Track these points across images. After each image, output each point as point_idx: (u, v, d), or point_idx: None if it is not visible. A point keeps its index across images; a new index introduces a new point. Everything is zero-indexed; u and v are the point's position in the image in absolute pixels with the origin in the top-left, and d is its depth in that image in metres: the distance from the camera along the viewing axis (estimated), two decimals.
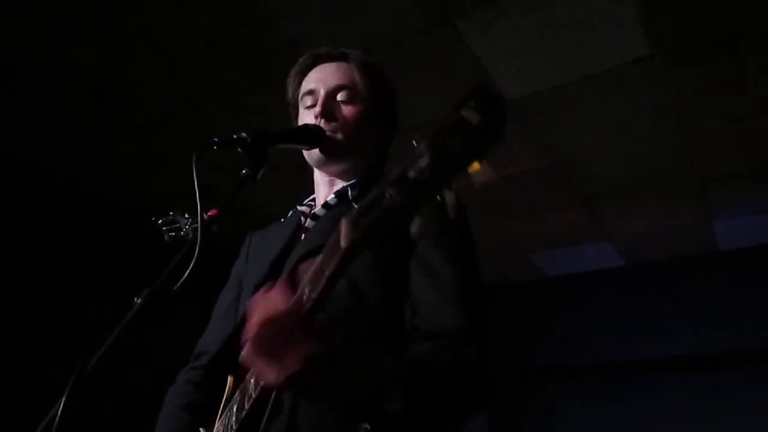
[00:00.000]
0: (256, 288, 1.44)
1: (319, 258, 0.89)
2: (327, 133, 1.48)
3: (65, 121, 3.87)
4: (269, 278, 1.44)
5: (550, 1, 2.90)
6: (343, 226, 0.83)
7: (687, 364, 5.38)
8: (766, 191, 4.54)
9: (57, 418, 0.94)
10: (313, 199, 1.63)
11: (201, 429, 1.39)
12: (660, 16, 2.95)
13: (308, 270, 1.21)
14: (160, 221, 1.88)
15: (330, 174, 1.57)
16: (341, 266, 0.85)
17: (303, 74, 1.63)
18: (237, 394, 1.16)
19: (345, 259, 0.84)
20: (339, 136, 1.49)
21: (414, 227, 0.74)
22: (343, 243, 0.82)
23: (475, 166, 0.68)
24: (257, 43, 3.22)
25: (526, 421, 5.93)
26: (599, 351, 5.74)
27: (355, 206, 1.40)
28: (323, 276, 0.86)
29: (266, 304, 0.91)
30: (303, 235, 1.50)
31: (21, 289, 4.03)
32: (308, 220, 1.53)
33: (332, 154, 1.49)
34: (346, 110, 1.52)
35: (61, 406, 0.95)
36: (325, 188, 1.58)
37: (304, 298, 0.91)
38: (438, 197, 0.72)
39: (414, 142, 0.73)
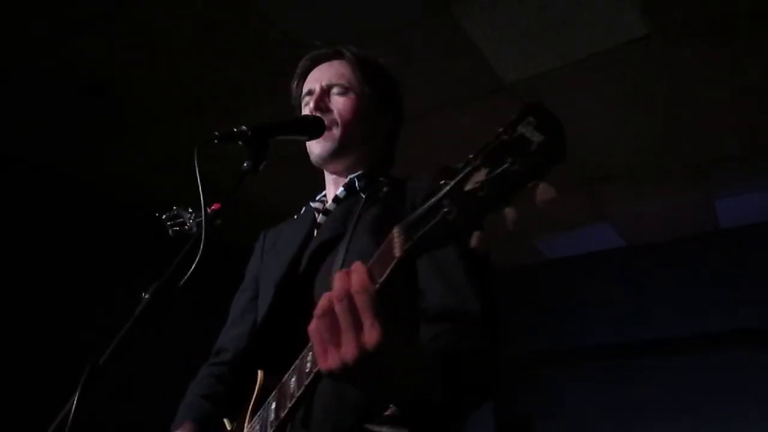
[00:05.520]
0: (277, 285, 1.47)
1: (368, 265, 0.88)
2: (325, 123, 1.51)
3: (64, 117, 3.86)
4: (289, 275, 1.47)
5: None
6: (396, 235, 0.82)
7: (690, 345, 5.39)
8: (767, 168, 4.53)
9: (71, 415, 0.94)
10: (325, 195, 1.66)
11: (225, 420, 1.40)
12: None
13: (329, 269, 1.20)
14: (164, 216, 1.89)
15: (335, 172, 1.60)
16: (393, 274, 0.84)
17: (303, 77, 1.67)
18: (275, 392, 1.15)
19: (398, 267, 0.83)
20: (335, 129, 1.52)
21: (474, 240, 0.73)
22: (396, 252, 0.81)
23: (536, 184, 0.68)
24: (257, 37, 3.22)
25: (529, 403, 5.96)
26: (602, 333, 5.74)
27: (363, 196, 1.43)
28: (376, 283, 0.85)
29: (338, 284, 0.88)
30: (316, 231, 1.53)
31: (25, 288, 4.04)
32: (320, 215, 1.55)
33: (331, 150, 1.52)
34: (341, 102, 1.55)
35: (75, 402, 0.95)
36: (333, 186, 1.61)
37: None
38: (496, 212, 0.71)
39: (470, 156, 0.73)
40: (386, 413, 1.17)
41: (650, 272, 5.70)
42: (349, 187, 1.53)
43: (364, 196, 1.47)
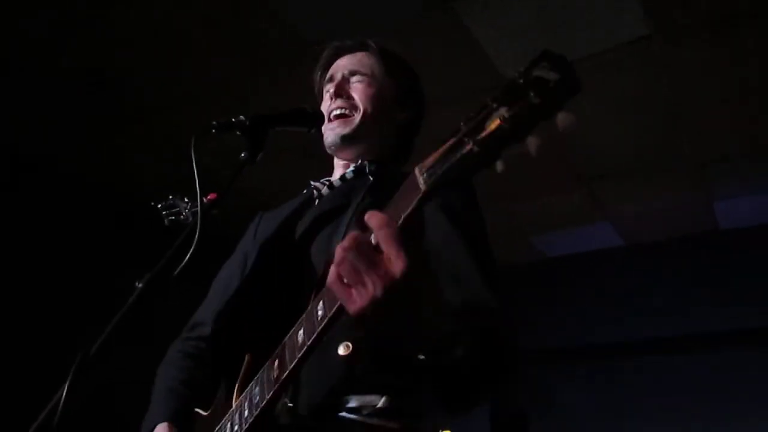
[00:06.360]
0: (264, 244, 1.47)
1: (390, 204, 0.91)
2: (340, 111, 1.52)
3: (63, 109, 3.85)
4: (277, 237, 1.47)
5: None
6: (418, 173, 0.85)
7: (687, 344, 5.39)
8: (766, 171, 4.53)
9: (61, 404, 0.94)
10: (329, 179, 1.64)
11: (198, 410, 1.38)
12: None
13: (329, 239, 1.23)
14: (159, 205, 1.88)
15: (346, 159, 1.59)
16: (417, 209, 0.87)
17: (326, 67, 1.67)
18: (278, 350, 1.13)
19: (422, 200, 0.86)
20: (354, 113, 1.53)
21: (499, 166, 0.79)
22: (422, 186, 0.84)
23: (557, 113, 0.75)
24: (256, 31, 3.21)
25: (527, 402, 5.95)
26: (600, 332, 5.74)
27: (371, 179, 1.42)
28: (399, 218, 0.88)
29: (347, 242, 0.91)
30: (317, 202, 1.53)
31: (20, 279, 4.03)
32: (324, 188, 1.55)
33: (346, 135, 1.52)
34: (361, 89, 1.56)
35: (65, 391, 0.95)
36: (342, 170, 1.61)
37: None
38: (519, 143, 0.77)
39: (488, 98, 0.79)
40: (378, 405, 1.16)
41: (648, 272, 5.70)
42: (358, 169, 1.53)
43: (372, 179, 1.46)
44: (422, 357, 0.99)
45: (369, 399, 1.17)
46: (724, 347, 5.26)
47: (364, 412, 1.17)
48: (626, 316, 5.62)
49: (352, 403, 1.18)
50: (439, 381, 1.04)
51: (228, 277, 1.59)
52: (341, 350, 1.13)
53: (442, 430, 1.37)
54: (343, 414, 1.17)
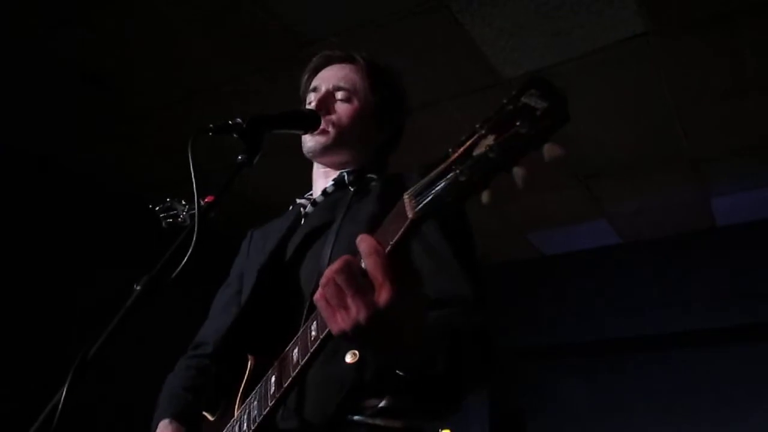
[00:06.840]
0: (261, 269, 1.49)
1: (381, 228, 0.92)
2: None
3: (63, 109, 3.86)
4: (273, 260, 1.49)
5: None
6: (407, 199, 0.86)
7: (684, 342, 5.40)
8: (763, 167, 4.53)
9: (60, 407, 0.94)
10: (311, 193, 1.67)
11: (205, 414, 1.40)
12: None
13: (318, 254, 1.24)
14: (157, 208, 1.89)
15: (326, 165, 1.62)
16: (405, 236, 0.87)
17: (314, 73, 1.68)
18: (274, 367, 1.16)
19: (410, 229, 0.86)
20: (330, 129, 1.54)
21: (485, 197, 0.78)
22: (409, 214, 0.85)
23: (545, 145, 0.74)
24: (256, 31, 3.21)
25: (524, 399, 5.97)
26: (596, 329, 5.73)
27: (351, 190, 1.45)
28: (387, 245, 0.89)
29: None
30: (303, 220, 1.55)
31: (18, 278, 4.03)
32: (309, 206, 1.57)
33: (323, 145, 1.53)
34: (342, 108, 1.57)
35: (63, 395, 0.95)
36: (322, 180, 1.63)
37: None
38: (505, 172, 0.76)
39: (477, 125, 0.79)
40: (380, 405, 1.18)
41: (646, 269, 5.69)
42: (338, 181, 1.55)
43: (352, 190, 1.49)
44: (401, 374, 1.01)
45: (372, 399, 1.20)
46: (722, 344, 5.26)
47: (367, 412, 1.19)
48: (624, 314, 5.61)
49: (356, 404, 1.20)
50: (419, 392, 1.06)
51: (227, 297, 1.64)
52: (348, 358, 1.17)
53: (442, 429, 1.40)
54: (348, 415, 1.20)
